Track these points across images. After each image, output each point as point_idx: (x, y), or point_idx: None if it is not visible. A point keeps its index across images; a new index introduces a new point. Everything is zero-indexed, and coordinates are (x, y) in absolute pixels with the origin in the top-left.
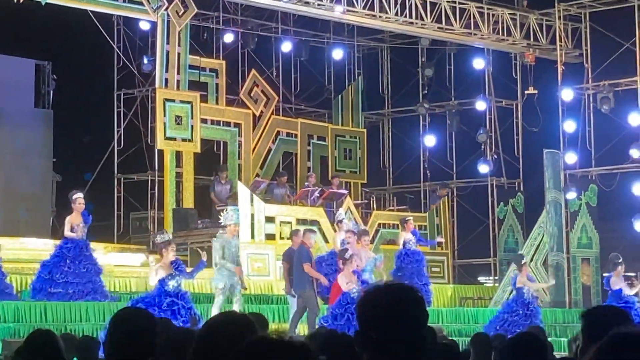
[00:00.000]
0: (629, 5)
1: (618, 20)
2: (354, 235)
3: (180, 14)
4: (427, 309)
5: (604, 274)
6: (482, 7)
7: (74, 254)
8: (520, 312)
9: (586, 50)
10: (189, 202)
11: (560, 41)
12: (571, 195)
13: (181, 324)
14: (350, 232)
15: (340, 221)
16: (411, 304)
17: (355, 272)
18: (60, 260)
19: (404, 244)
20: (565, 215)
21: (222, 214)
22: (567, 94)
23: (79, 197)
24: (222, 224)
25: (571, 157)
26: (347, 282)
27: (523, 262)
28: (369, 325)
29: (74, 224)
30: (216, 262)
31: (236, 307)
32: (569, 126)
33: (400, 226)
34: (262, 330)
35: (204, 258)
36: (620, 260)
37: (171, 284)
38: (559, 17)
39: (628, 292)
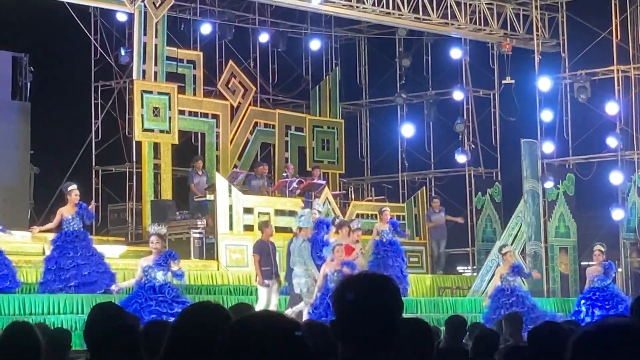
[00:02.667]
0: None
1: (595, 9)
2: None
3: (157, 5)
4: (404, 298)
5: (582, 263)
6: None
7: (72, 246)
8: (508, 301)
9: (563, 39)
10: (167, 193)
11: (537, 31)
12: (549, 184)
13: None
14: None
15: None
16: (386, 294)
17: (347, 262)
18: (63, 249)
19: (380, 234)
20: (542, 204)
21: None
22: (544, 84)
23: (74, 188)
24: (299, 226)
25: (548, 147)
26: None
27: (504, 251)
28: (344, 315)
29: (66, 215)
30: (294, 263)
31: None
32: (546, 116)
33: (377, 216)
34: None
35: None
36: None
37: (158, 276)
38: (536, 7)
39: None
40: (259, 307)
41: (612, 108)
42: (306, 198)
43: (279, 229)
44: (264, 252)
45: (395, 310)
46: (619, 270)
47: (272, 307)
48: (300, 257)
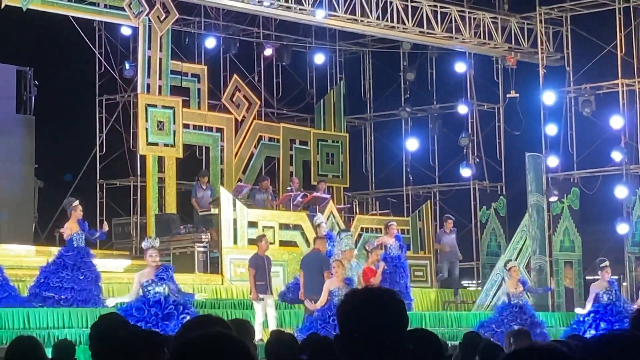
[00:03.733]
0: (609, 9)
1: (599, 23)
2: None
3: (161, 19)
4: (409, 312)
5: (587, 277)
6: (463, 11)
7: (75, 261)
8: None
9: (567, 53)
10: (171, 207)
11: (542, 44)
12: (553, 198)
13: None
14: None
15: (319, 225)
16: (391, 308)
17: (349, 280)
18: (59, 267)
19: (386, 248)
20: (547, 218)
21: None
22: (548, 97)
23: (78, 204)
24: (341, 249)
25: (553, 161)
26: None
27: (509, 267)
28: (349, 329)
29: (73, 231)
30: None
31: None
32: (551, 129)
33: (383, 230)
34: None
35: (197, 296)
36: (602, 265)
37: (150, 289)
38: (540, 21)
39: (607, 297)
40: (257, 322)
41: (616, 122)
42: (310, 212)
43: (283, 243)
44: (259, 266)
45: (400, 325)
46: (624, 284)
47: (271, 322)
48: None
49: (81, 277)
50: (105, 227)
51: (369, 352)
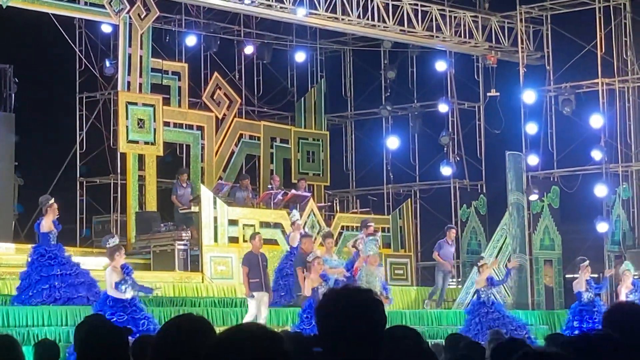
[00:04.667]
0: (590, 8)
1: (579, 22)
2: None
3: (142, 16)
4: (388, 311)
5: (567, 276)
6: (444, 10)
7: (61, 259)
8: (484, 310)
9: (548, 52)
10: (151, 205)
11: (522, 43)
12: (533, 197)
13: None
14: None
15: (294, 222)
16: (369, 307)
17: (322, 275)
18: (46, 264)
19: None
20: (527, 217)
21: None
22: (529, 96)
23: (53, 202)
24: (364, 254)
25: (533, 159)
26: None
27: (481, 264)
28: (328, 329)
29: (51, 229)
30: None
31: None
32: (531, 128)
33: (361, 228)
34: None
35: (153, 292)
36: (583, 264)
37: (123, 288)
38: (521, 20)
39: (588, 295)
40: (247, 318)
41: (596, 121)
42: (291, 210)
43: (264, 241)
44: (253, 264)
45: (378, 324)
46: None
47: (262, 320)
48: (374, 287)
49: (69, 273)
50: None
51: (347, 352)
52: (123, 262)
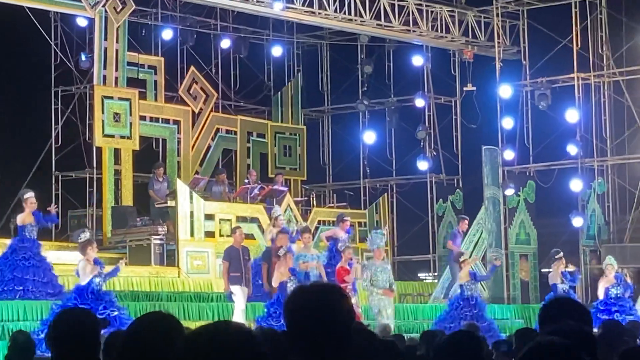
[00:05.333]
0: (566, 3)
1: (555, 17)
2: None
3: (118, 10)
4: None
5: (543, 270)
6: (420, 4)
7: (32, 253)
8: (464, 308)
9: (524, 47)
10: (127, 199)
11: (499, 38)
12: (509, 191)
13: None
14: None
15: (277, 218)
16: (337, 304)
17: (291, 269)
18: (16, 258)
19: (336, 241)
20: (503, 211)
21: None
22: (505, 91)
23: (29, 196)
24: (369, 248)
25: (509, 154)
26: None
27: (462, 259)
28: (296, 326)
29: (25, 223)
30: (364, 287)
31: (390, 322)
32: (507, 123)
33: (336, 222)
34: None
35: (121, 266)
36: (557, 256)
37: (97, 281)
38: (497, 14)
39: (563, 287)
40: (237, 311)
41: (572, 116)
42: (267, 204)
43: None
44: (234, 258)
45: (345, 320)
46: (579, 277)
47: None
48: (379, 280)
49: (38, 267)
50: (52, 210)
51: (316, 349)
52: (95, 256)
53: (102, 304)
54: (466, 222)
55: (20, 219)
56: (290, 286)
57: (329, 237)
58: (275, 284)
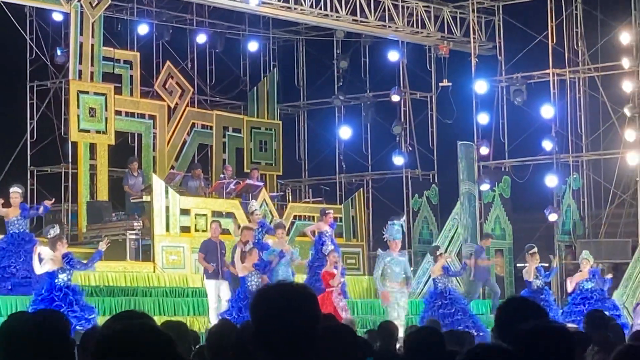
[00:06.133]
0: None
1: (531, 13)
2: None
3: (93, 5)
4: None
5: (518, 265)
6: (396, 0)
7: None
8: (440, 302)
9: (499, 42)
10: (103, 194)
11: (474, 34)
12: (485, 186)
13: (74, 315)
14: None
15: (253, 212)
16: (304, 303)
17: (256, 264)
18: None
19: (321, 235)
20: (479, 206)
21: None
22: (480, 87)
23: (12, 191)
24: (385, 239)
25: (485, 149)
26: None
27: (438, 252)
28: (263, 325)
29: (10, 217)
30: (375, 278)
31: (402, 313)
32: (483, 118)
33: (320, 217)
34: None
35: (102, 248)
36: (531, 251)
37: (62, 277)
38: (473, 10)
39: (537, 282)
40: (211, 306)
41: (547, 111)
42: (243, 199)
43: None
44: (210, 251)
45: (312, 319)
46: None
47: (223, 307)
48: (394, 273)
49: (21, 261)
50: (48, 203)
51: (282, 347)
52: (65, 251)
53: (67, 302)
54: (490, 240)
55: (4, 213)
56: (251, 281)
57: (313, 231)
58: (241, 274)
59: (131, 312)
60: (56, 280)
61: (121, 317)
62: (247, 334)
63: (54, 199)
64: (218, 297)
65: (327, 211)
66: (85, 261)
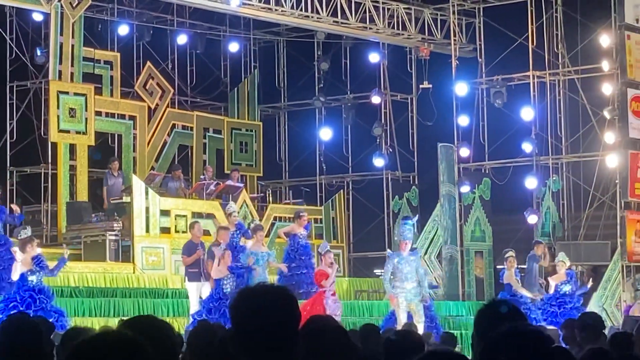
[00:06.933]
0: (521, 1)
1: (511, 15)
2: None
3: (74, 5)
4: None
5: (498, 267)
6: (377, 2)
7: None
8: None
9: (480, 45)
10: (82, 195)
11: (454, 36)
12: (465, 188)
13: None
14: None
15: (231, 214)
16: (283, 305)
17: (230, 267)
18: None
19: (295, 237)
20: (459, 208)
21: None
22: (461, 89)
23: None
24: (396, 240)
25: (465, 151)
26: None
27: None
28: (242, 327)
29: None
30: (383, 279)
31: (419, 321)
32: (463, 120)
33: (293, 219)
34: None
35: (66, 255)
36: (512, 255)
37: (31, 279)
38: (453, 12)
39: (565, 288)
40: (192, 308)
41: (527, 113)
42: (223, 201)
43: None
44: (193, 253)
45: (291, 321)
46: None
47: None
48: (403, 273)
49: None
50: (16, 210)
51: (261, 350)
52: (35, 253)
53: (37, 304)
54: (542, 246)
55: None
56: (226, 283)
57: (287, 233)
58: (214, 276)
59: (149, 317)
60: (26, 283)
61: (134, 321)
62: (226, 335)
63: (21, 207)
64: (200, 299)
65: (301, 213)
66: (51, 267)
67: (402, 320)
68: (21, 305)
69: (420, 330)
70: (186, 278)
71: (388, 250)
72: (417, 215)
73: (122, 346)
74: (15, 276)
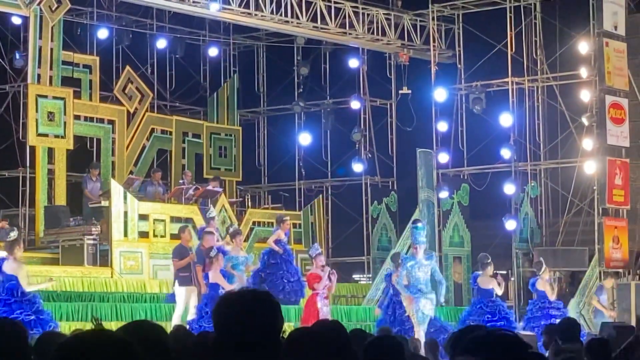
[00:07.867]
0: (500, 7)
1: (490, 22)
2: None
3: (53, 9)
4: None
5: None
6: (357, 7)
7: None
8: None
9: (459, 51)
10: (61, 199)
11: (434, 42)
12: (443, 194)
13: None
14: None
15: (212, 218)
16: (266, 310)
17: (222, 271)
18: None
19: (278, 242)
20: (437, 214)
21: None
22: (440, 94)
23: None
24: (417, 244)
25: (444, 157)
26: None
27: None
28: (225, 332)
29: None
30: (396, 283)
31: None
32: (442, 126)
33: (275, 223)
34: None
35: (48, 287)
36: (489, 261)
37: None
38: (433, 18)
39: (498, 292)
40: (176, 313)
41: (506, 120)
42: (202, 205)
43: (175, 236)
44: (184, 257)
45: (275, 326)
46: (512, 279)
47: (190, 315)
48: (418, 278)
49: None
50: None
51: (245, 354)
52: (21, 254)
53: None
54: (612, 280)
55: None
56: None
57: (277, 241)
58: (204, 289)
59: (144, 321)
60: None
61: (132, 326)
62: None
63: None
64: (188, 303)
65: (284, 218)
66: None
67: (415, 325)
68: (13, 308)
69: (421, 337)
70: (176, 282)
71: (402, 254)
72: (426, 218)
73: (109, 346)
74: (29, 288)
